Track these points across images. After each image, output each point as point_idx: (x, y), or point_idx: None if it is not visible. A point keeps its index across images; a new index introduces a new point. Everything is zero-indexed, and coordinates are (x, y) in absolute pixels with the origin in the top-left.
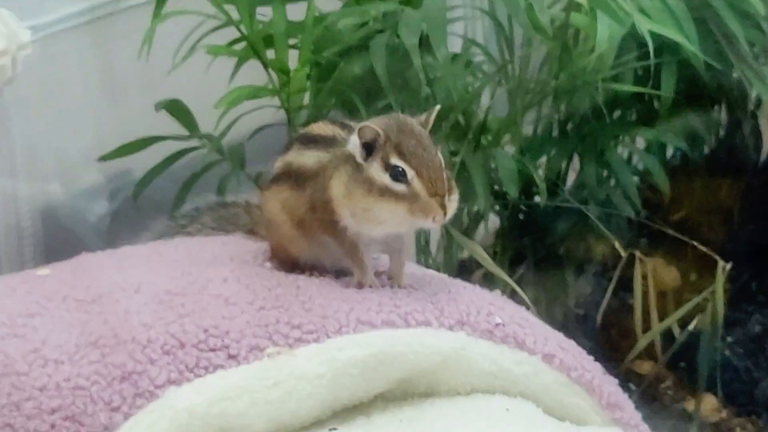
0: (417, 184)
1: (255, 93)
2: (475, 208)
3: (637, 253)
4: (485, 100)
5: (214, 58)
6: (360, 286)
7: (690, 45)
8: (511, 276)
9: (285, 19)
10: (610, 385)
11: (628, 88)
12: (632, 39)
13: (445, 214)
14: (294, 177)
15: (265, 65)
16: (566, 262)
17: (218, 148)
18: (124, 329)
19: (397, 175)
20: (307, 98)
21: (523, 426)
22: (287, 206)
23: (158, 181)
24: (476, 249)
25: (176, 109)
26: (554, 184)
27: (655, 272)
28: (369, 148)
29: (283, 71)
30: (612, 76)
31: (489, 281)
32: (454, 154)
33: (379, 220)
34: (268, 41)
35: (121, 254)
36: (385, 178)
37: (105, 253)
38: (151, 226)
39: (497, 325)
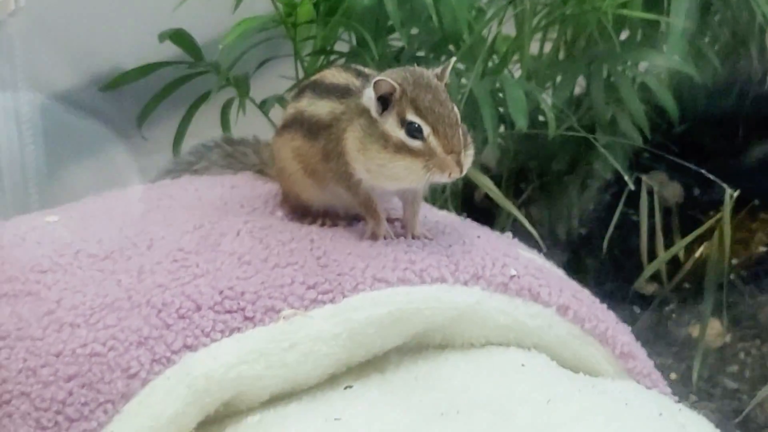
0: (433, 141)
1: (262, 24)
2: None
3: (644, 177)
4: (494, 25)
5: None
6: (374, 236)
7: None
8: (517, 197)
9: None
10: (623, 334)
11: (636, 14)
12: None
13: (461, 170)
14: (307, 126)
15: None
16: (572, 185)
17: (223, 74)
18: (139, 291)
19: (413, 131)
20: (314, 29)
21: (539, 383)
22: (300, 155)
23: (163, 114)
24: (486, 182)
25: (181, 38)
26: (561, 111)
27: (660, 188)
28: (384, 102)
29: (289, 2)
30: (621, 2)
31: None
32: (460, 77)
33: (394, 176)
34: None
35: (129, 198)
36: (401, 134)
37: (112, 196)
38: (158, 161)
39: (512, 277)
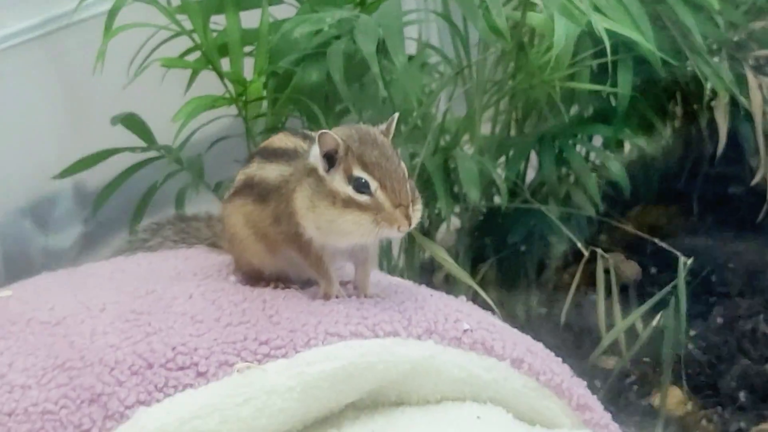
0: (381, 196)
1: (212, 103)
2: (436, 210)
3: (599, 250)
4: (443, 102)
5: (168, 70)
6: (326, 297)
7: (645, 42)
8: (473, 276)
9: (239, 27)
10: (578, 387)
11: (585, 86)
12: (588, 37)
13: (409, 224)
14: (256, 190)
15: (221, 75)
16: (528, 261)
17: (177, 158)
18: (91, 351)
19: (361, 186)
20: (264, 106)
21: None
22: (250, 220)
23: (116, 196)
24: (438, 251)
25: (132, 122)
26: (514, 184)
27: (617, 267)
28: (331, 159)
29: (239, 81)
30: (569, 74)
31: (451, 283)
32: (413, 156)
33: (344, 232)
34: (223, 50)
35: (83, 272)
36: (348, 190)
37: (66, 272)
38: (112, 241)
39: (465, 331)
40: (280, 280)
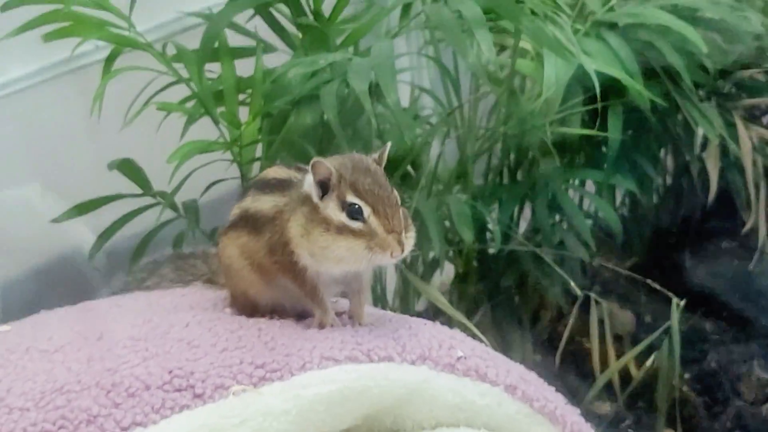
0: (374, 221)
1: (207, 147)
2: (431, 256)
3: (593, 295)
4: (435, 150)
5: (165, 117)
6: (321, 326)
7: (634, 83)
8: (469, 319)
9: (234, 74)
10: (572, 414)
11: (575, 131)
12: (578, 84)
13: (402, 249)
14: (251, 222)
15: (216, 121)
16: (522, 308)
17: (172, 204)
18: (88, 375)
19: (354, 212)
20: (259, 151)
21: None
22: (246, 251)
23: (114, 241)
24: (434, 293)
25: (128, 168)
26: (507, 228)
27: (612, 316)
28: (324, 187)
29: (234, 124)
30: (559, 120)
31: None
32: (405, 202)
33: (337, 258)
34: (218, 97)
35: (80, 308)
36: (341, 216)
37: (63, 309)
38: (110, 282)
39: (459, 358)
40: (276, 312)
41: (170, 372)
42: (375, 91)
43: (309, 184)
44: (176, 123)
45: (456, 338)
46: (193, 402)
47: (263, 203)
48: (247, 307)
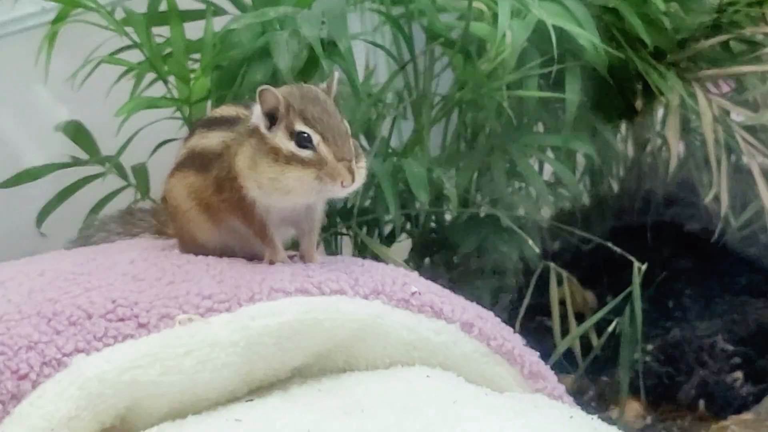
0: (323, 149)
1: (155, 102)
2: (387, 227)
3: (552, 265)
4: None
5: (116, 82)
6: (271, 264)
7: (591, 38)
8: None
9: (183, 35)
10: (531, 355)
11: (532, 93)
12: (534, 48)
13: (353, 179)
14: (198, 160)
15: (164, 79)
16: (482, 279)
17: (120, 171)
18: (29, 305)
19: (303, 141)
20: (209, 109)
21: (445, 389)
22: (193, 191)
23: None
24: (390, 255)
25: (76, 131)
26: (465, 192)
27: (573, 294)
28: (272, 118)
29: (184, 79)
30: (516, 84)
31: None
32: None
33: (287, 189)
34: (168, 59)
35: (24, 260)
36: (290, 146)
37: (7, 263)
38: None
39: (414, 293)
40: (225, 255)
41: (113, 302)
42: (327, 47)
43: (257, 115)
44: (128, 92)
45: (410, 277)
46: (137, 331)
47: (210, 140)
48: (196, 252)
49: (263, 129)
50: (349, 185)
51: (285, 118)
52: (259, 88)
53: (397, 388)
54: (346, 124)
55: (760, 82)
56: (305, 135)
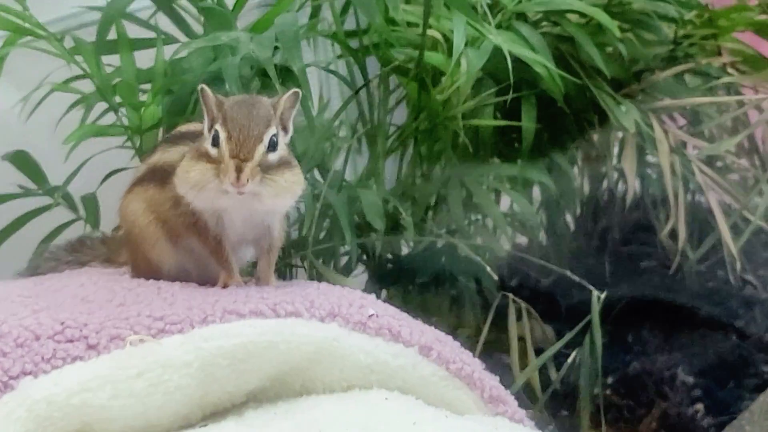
0: (224, 146)
1: (105, 130)
2: (342, 259)
3: (511, 296)
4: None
5: (66, 113)
6: (225, 287)
7: (545, 62)
8: None
9: (133, 64)
10: (491, 379)
11: (488, 122)
12: (489, 78)
13: (238, 178)
14: (159, 175)
15: (114, 108)
16: (438, 310)
17: (70, 202)
18: None
19: (214, 138)
20: (160, 136)
21: (404, 411)
22: (152, 204)
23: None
24: (343, 280)
25: (22, 161)
26: (422, 226)
27: (531, 329)
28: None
29: (134, 106)
30: (471, 112)
31: None
32: (317, 197)
33: (191, 182)
34: (119, 88)
35: None
36: (207, 142)
37: None
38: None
39: (371, 316)
40: (179, 280)
41: (62, 323)
42: (280, 73)
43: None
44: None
45: (366, 299)
46: (86, 353)
47: (172, 154)
48: (149, 276)
49: (205, 130)
50: (230, 183)
51: (214, 118)
52: (199, 87)
53: (356, 409)
54: (268, 133)
55: (717, 113)
56: (216, 133)
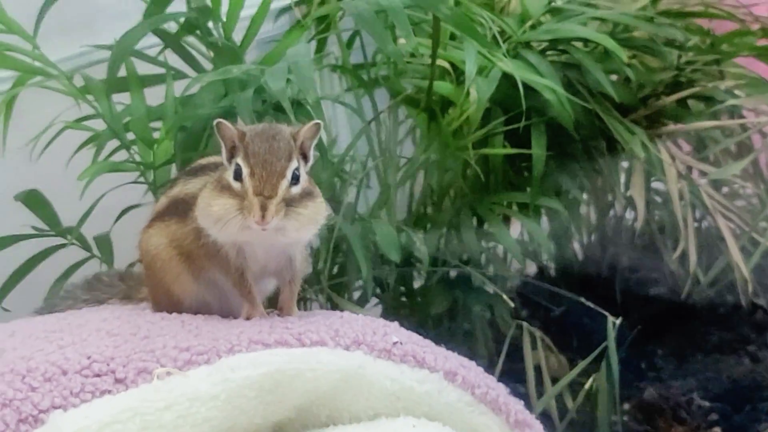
0: (247, 182)
1: (118, 167)
2: (356, 293)
3: (525, 325)
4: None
5: (76, 151)
6: (249, 318)
7: (555, 87)
8: None
9: (143, 101)
10: (516, 403)
11: (498, 151)
12: (498, 107)
13: (263, 216)
14: (181, 208)
15: (126, 146)
16: (452, 341)
17: (83, 242)
18: (1, 364)
19: (237, 173)
20: (173, 172)
21: None
22: (174, 239)
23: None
24: (356, 309)
25: (35, 201)
26: (435, 256)
27: (547, 358)
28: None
29: (147, 142)
30: (481, 142)
31: None
32: (331, 229)
33: (214, 217)
34: (131, 125)
35: None
36: (229, 176)
37: None
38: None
39: (395, 343)
40: (200, 313)
41: (89, 357)
42: (293, 106)
43: (222, 147)
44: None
45: (390, 327)
46: (114, 387)
47: (193, 186)
48: (171, 310)
49: (224, 161)
50: (255, 221)
51: (235, 149)
52: (215, 121)
53: None
54: (290, 167)
55: (722, 136)
56: (239, 167)
